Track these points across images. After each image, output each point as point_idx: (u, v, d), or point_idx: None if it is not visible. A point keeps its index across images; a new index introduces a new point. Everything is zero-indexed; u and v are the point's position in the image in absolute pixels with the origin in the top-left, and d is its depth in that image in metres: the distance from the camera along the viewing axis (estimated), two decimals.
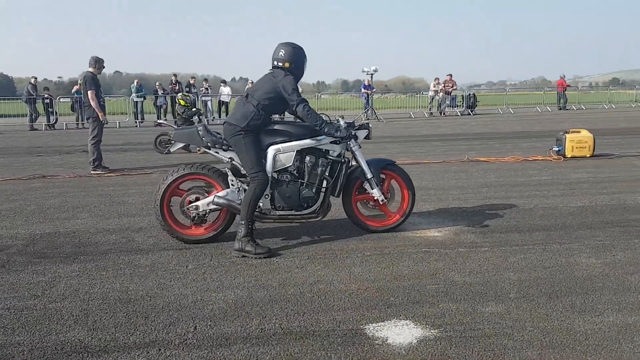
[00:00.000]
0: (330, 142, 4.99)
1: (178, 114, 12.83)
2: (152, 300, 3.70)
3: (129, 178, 8.96)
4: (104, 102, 10.08)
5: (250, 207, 4.69)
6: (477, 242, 4.90)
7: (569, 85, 30.41)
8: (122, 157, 11.79)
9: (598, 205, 6.32)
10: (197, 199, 4.97)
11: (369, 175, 5.06)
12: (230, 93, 24.65)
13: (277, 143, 4.89)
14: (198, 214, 4.93)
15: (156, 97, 22.70)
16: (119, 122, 22.62)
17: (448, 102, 25.96)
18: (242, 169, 4.89)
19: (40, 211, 6.51)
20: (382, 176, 5.21)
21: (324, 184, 4.96)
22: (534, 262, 4.35)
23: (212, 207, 4.92)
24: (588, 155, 10.39)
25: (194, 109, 12.80)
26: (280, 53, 4.86)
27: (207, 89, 23.85)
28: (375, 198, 5.10)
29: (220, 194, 4.89)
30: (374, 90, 24.52)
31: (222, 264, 4.44)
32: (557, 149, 10.48)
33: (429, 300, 3.60)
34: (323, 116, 4.91)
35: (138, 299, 3.72)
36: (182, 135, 4.99)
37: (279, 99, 4.82)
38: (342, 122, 5.03)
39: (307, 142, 4.92)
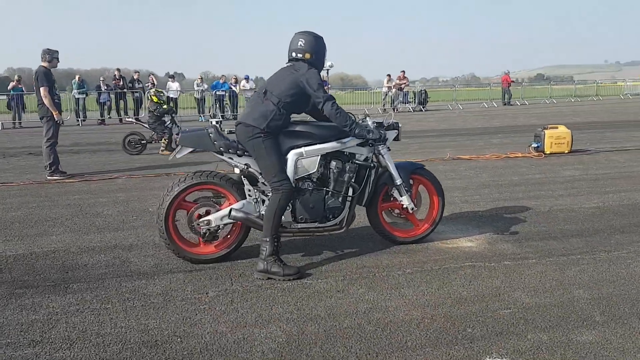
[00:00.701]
0: (357, 145, 4.44)
1: (150, 112, 11.91)
2: (185, 343, 3.05)
3: (93, 184, 8.10)
4: (59, 100, 9.11)
5: (275, 222, 4.08)
6: (519, 253, 4.48)
7: (513, 81, 30.94)
8: (76, 160, 10.79)
9: (612, 205, 6.08)
10: (208, 213, 4.32)
11: (398, 181, 4.55)
12: (179, 89, 23.56)
13: (298, 146, 4.30)
14: (209, 229, 4.28)
15: (99, 94, 21.36)
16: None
17: (401, 99, 25.84)
18: (259, 176, 4.26)
19: (3, 227, 5.65)
20: (410, 181, 4.70)
21: (350, 192, 4.41)
22: (594, 275, 3.97)
23: (227, 221, 4.28)
24: (566, 152, 10.30)
25: (165, 106, 11.91)
26: (300, 43, 4.27)
27: (153, 84, 22.67)
28: (405, 206, 4.59)
29: (236, 206, 4.26)
30: (329, 86, 24.01)
31: (248, 289, 3.82)
32: (535, 145, 10.31)
33: (513, 331, 3.13)
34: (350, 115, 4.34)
35: (166, 341, 3.07)
36: (190, 139, 4.31)
37: (302, 96, 4.24)
38: (369, 122, 4.49)
39: (332, 146, 4.35)
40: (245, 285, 3.91)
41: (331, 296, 3.66)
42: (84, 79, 22.26)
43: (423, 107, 26.06)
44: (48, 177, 8.56)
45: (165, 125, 11.58)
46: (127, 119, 13.57)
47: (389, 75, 25.74)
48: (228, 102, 23.17)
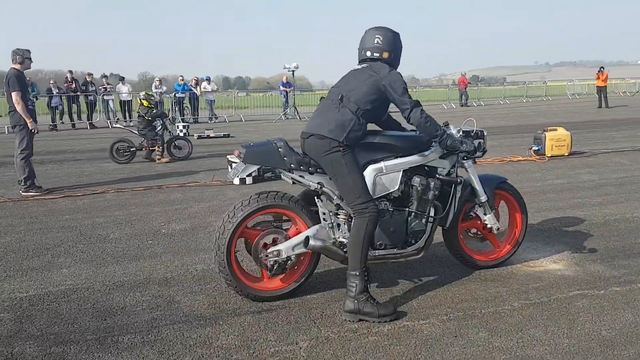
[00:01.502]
0: (440, 158, 3.86)
1: (140, 116, 10.97)
2: None
3: (79, 200, 7.19)
4: (34, 106, 8.13)
5: (364, 251, 3.45)
6: (619, 276, 4.05)
7: (469, 83, 31.16)
8: (44, 172, 9.73)
9: None
10: (275, 241, 3.63)
11: (484, 198, 4.00)
12: (130, 91, 22.34)
13: (376, 161, 3.68)
14: (278, 261, 3.59)
15: (50, 97, 19.93)
16: (7, 127, 19.58)
17: None
18: (334, 197, 3.61)
19: None
20: None
21: (432, 212, 3.82)
22: None
23: (300, 251, 3.62)
24: (566, 154, 10.07)
25: (154, 110, 11.01)
26: (376, 40, 3.66)
27: (106, 87, 21.41)
28: (489, 226, 4.05)
29: (310, 232, 3.60)
30: (292, 88, 23.35)
31: (345, 337, 3.18)
32: (536, 148, 10.05)
33: None
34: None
35: None
36: (256, 155, 3.61)
37: (383, 102, 3.64)
38: (453, 130, 3.92)
39: (415, 159, 3.76)
40: (336, 330, 3.26)
41: (451, 343, 3.06)
42: (34, 82, 20.73)
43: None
44: (23, 194, 7.59)
45: (156, 131, 10.71)
46: (115, 125, 12.50)
47: None
48: (188, 105, 22.16)
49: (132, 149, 10.65)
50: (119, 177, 9.00)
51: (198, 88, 22.09)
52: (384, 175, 3.67)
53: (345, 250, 3.62)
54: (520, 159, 9.83)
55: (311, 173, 3.61)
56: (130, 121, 19.95)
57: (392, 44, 3.69)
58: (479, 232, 4.23)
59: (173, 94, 21.52)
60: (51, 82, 20.04)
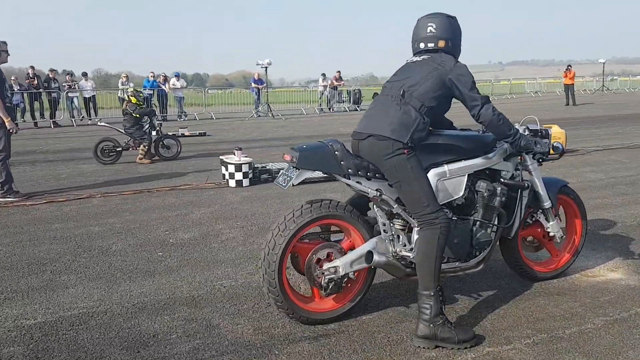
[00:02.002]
0: (504, 160, 3.51)
1: (126, 114, 10.30)
2: None
3: (64, 206, 6.58)
4: (12, 104, 7.43)
5: (437, 268, 3.06)
6: None
7: None
8: (18, 174, 8.93)
9: None
10: (330, 256, 3.20)
11: (547, 204, 3.66)
12: (93, 87, 21.39)
13: (438, 164, 3.29)
14: (334, 279, 3.17)
15: (12, 94, 18.81)
16: None
17: (337, 98, 25.12)
18: (394, 206, 3.20)
19: None
20: None
21: (496, 220, 3.46)
22: None
23: (360, 267, 3.20)
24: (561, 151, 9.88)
25: (143, 107, 10.40)
26: (429, 29, 3.27)
27: (70, 85, 20.44)
28: (551, 234, 3.72)
29: (369, 245, 3.20)
30: (264, 85, 22.80)
31: None
32: None
33: None
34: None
35: None
36: (311, 159, 3.15)
37: (447, 99, 3.26)
38: (519, 129, 3.57)
39: (480, 162, 3.40)
40: None
41: None
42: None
43: (358, 107, 25.45)
44: (0, 199, 6.90)
45: (144, 130, 10.10)
46: (100, 124, 11.76)
47: (323, 75, 24.88)
48: (156, 102, 21.36)
49: (118, 149, 10.03)
50: (100, 179, 8.37)
51: (167, 84, 21.31)
52: (447, 180, 3.29)
53: (406, 264, 3.23)
54: None
55: (368, 179, 3.19)
56: (98, 119, 19.07)
57: (449, 30, 3.29)
58: (535, 241, 3.89)
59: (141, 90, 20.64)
60: (12, 78, 18.92)
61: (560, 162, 8.92)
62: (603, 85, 37.40)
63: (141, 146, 10.00)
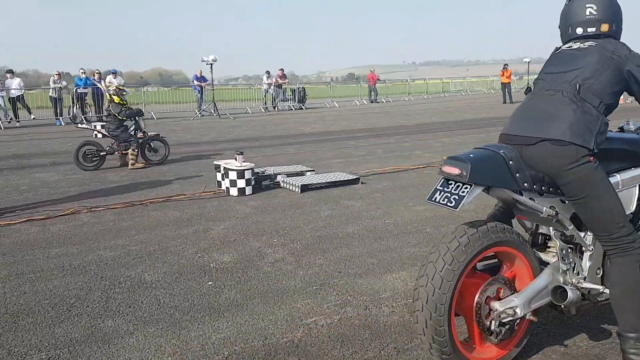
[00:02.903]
0: None
1: (110, 115, 9.16)
2: None
3: (49, 225, 5.60)
4: None
5: None
6: None
7: (378, 79, 31.09)
8: None
9: None
10: (499, 294, 2.60)
11: None
12: (21, 85, 19.55)
13: (610, 173, 2.77)
14: (508, 323, 2.57)
15: None
16: None
17: (281, 97, 24.41)
18: (569, 227, 2.64)
19: (8, 328, 3.26)
20: None
21: None
22: None
23: (540, 305, 2.62)
24: None
25: (127, 107, 9.42)
26: (588, 10, 2.72)
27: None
28: None
29: (545, 278, 2.65)
30: (207, 82, 21.71)
31: None
32: None
33: None
34: None
35: None
36: (484, 171, 2.50)
37: (619, 94, 2.71)
38: (631, 126, 3.11)
39: None
40: None
41: None
42: None
43: (303, 105, 24.87)
44: None
45: (129, 132, 9.04)
46: (81, 126, 10.43)
47: (267, 72, 24.09)
48: (91, 101, 19.83)
49: (101, 154, 8.95)
50: (72, 190, 7.32)
51: (102, 82, 19.79)
52: (619, 192, 2.76)
53: (587, 297, 2.69)
54: None
55: (541, 194, 2.61)
56: (79, 121, 17.44)
57: (610, 10, 2.74)
58: None
59: (74, 89, 19.08)
60: None
61: None
62: (528, 83, 38.76)
63: (130, 150, 9.02)
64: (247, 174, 6.83)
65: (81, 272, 4.19)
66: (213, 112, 20.50)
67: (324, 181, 7.12)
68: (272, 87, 23.86)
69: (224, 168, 6.87)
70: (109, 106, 9.28)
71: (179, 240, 4.97)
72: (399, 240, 4.81)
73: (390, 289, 3.73)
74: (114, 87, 9.43)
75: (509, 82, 26.02)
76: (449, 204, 2.46)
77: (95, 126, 13.17)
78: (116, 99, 9.17)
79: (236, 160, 6.87)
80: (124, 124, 9.27)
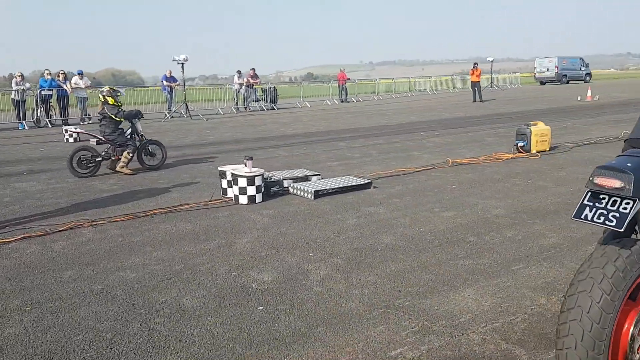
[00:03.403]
0: None
1: (105, 118, 8.53)
2: None
3: (49, 242, 5.06)
4: None
5: None
6: None
7: (348, 79, 30.79)
8: None
9: None
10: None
11: None
12: None
13: None
14: None
15: None
16: None
17: (253, 97, 23.86)
18: None
19: None
20: None
21: None
22: None
23: None
24: (548, 149, 9.69)
25: (121, 109, 8.77)
26: None
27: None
28: None
29: None
30: (178, 82, 20.99)
31: None
32: (522, 143, 9.50)
33: None
34: None
35: None
36: None
37: None
38: None
39: None
40: None
41: None
42: None
43: (275, 105, 24.39)
44: None
45: (126, 135, 8.45)
46: (73, 130, 9.66)
47: (238, 72, 23.50)
48: (55, 104, 18.92)
49: (97, 159, 8.37)
50: (61, 202, 6.75)
51: (67, 84, 18.89)
52: None
53: None
54: (510, 156, 9.17)
55: None
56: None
57: None
58: None
59: (38, 90, 18.13)
60: None
61: (556, 159, 8.61)
62: (492, 82, 39.08)
63: (125, 153, 8.44)
64: (258, 181, 6.39)
65: (107, 298, 3.70)
66: (184, 113, 19.82)
67: (336, 186, 6.75)
68: (243, 87, 23.28)
69: (232, 174, 6.41)
70: (102, 109, 8.66)
71: (205, 256, 4.52)
72: (445, 252, 4.48)
73: (465, 310, 3.38)
74: (107, 89, 8.81)
75: (479, 81, 26.08)
76: (608, 222, 2.12)
77: (66, 130, 12.47)
78: (110, 100, 8.57)
79: (245, 165, 6.42)
80: (120, 127, 8.68)
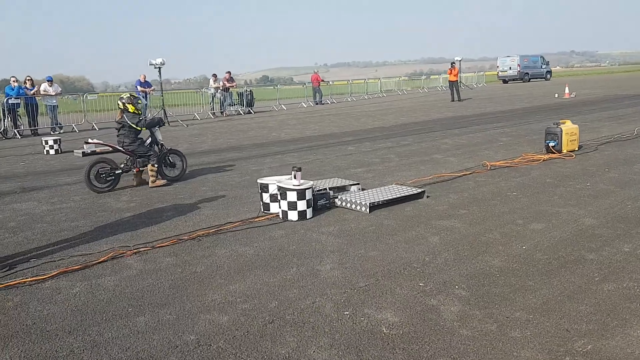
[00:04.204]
0: None
1: (124, 127, 7.64)
2: None
3: (96, 279, 4.24)
4: None
5: None
6: None
7: (322, 80, 30.17)
8: None
9: None
10: None
11: None
12: None
13: None
14: None
15: None
16: None
17: (229, 101, 22.98)
18: None
19: None
20: None
21: None
22: None
23: None
24: (577, 149, 9.32)
25: (144, 118, 8.03)
26: None
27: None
28: None
29: None
30: (153, 88, 19.95)
31: None
32: (553, 143, 9.08)
33: None
34: None
35: None
36: None
37: None
38: None
39: None
40: None
41: None
42: None
43: (252, 109, 23.59)
44: None
45: (147, 145, 7.58)
46: (90, 140, 8.62)
47: (214, 76, 22.57)
48: (23, 112, 17.67)
49: (117, 172, 7.52)
50: (80, 225, 5.91)
51: (34, 90, 17.64)
52: None
53: None
54: (544, 157, 8.72)
55: None
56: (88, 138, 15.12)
57: None
58: None
59: (5, 99, 16.85)
60: None
61: (591, 159, 8.21)
62: (461, 81, 39.02)
63: (149, 166, 7.67)
64: (308, 194, 5.69)
65: (212, 354, 2.96)
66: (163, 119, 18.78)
67: (389, 197, 6.10)
68: (219, 90, 22.37)
69: (280, 187, 5.68)
70: (121, 117, 7.79)
71: (295, 289, 3.82)
72: (575, 274, 3.91)
73: None
74: (127, 95, 7.93)
75: (457, 80, 25.88)
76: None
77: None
78: (131, 108, 7.73)
79: (295, 178, 5.70)
80: (139, 136, 7.84)
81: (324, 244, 4.84)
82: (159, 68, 18.38)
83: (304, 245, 4.83)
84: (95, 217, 6.20)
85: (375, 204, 5.94)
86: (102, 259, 4.63)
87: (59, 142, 12.62)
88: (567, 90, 24.06)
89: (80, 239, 5.34)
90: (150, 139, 7.98)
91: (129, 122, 7.64)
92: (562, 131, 9.10)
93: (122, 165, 7.72)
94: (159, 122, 8.10)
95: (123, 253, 4.77)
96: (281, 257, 4.52)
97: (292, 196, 5.62)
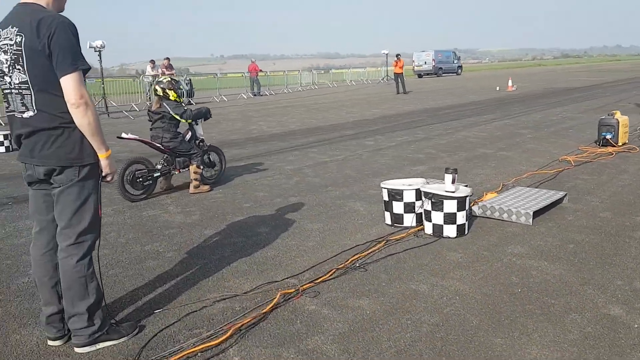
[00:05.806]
0: None
1: (162, 119, 5.96)
2: None
3: (171, 313, 2.77)
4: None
5: None
6: None
7: (260, 70, 28.52)
8: None
9: None
10: None
11: None
12: None
13: None
14: None
15: None
16: None
17: None
18: None
19: None
20: None
21: None
22: None
23: None
24: (627, 141, 8.76)
25: (189, 108, 6.28)
26: None
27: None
28: None
29: None
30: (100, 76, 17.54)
31: None
32: (609, 135, 8.46)
33: None
34: None
35: None
36: None
37: None
38: None
39: None
40: None
41: None
42: None
43: (191, 99, 21.65)
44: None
45: (188, 141, 6.13)
46: (125, 135, 6.28)
47: (152, 62, 20.37)
48: None
49: (155, 175, 5.91)
50: (152, 248, 4.29)
51: None
52: None
53: None
54: (611, 150, 8.11)
55: None
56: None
57: None
58: None
59: None
60: None
61: None
62: (387, 75, 38.75)
63: (193, 167, 5.98)
64: (467, 203, 4.45)
65: None
66: (104, 110, 16.56)
67: (541, 204, 5.00)
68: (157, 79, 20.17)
69: (434, 195, 4.39)
70: (159, 106, 6.03)
71: (575, 347, 2.58)
72: None
73: None
74: (168, 80, 6.16)
75: (402, 73, 25.32)
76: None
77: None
78: (172, 95, 6.01)
79: (453, 182, 4.43)
80: (178, 130, 6.13)
81: (443, 260, 3.63)
82: (100, 52, 16.09)
83: (510, 275, 3.60)
84: (157, 237, 4.63)
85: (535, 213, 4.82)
86: (266, 308, 3.13)
87: (9, 138, 10.29)
88: (510, 84, 24.19)
89: (178, 269, 3.76)
90: (190, 133, 6.34)
91: (171, 112, 5.95)
92: (618, 123, 8.46)
93: (159, 167, 6.03)
94: (207, 114, 6.46)
95: (288, 293, 3.29)
96: (504, 297, 3.26)
97: (450, 206, 4.34)
